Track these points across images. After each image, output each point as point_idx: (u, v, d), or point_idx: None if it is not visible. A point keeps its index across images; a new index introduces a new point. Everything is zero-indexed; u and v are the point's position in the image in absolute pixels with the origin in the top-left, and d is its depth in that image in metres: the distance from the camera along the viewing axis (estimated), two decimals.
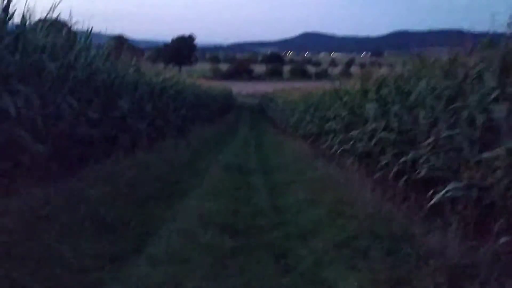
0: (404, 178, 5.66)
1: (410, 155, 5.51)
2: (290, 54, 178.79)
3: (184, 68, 62.19)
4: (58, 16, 6.75)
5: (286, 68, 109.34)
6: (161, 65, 20.35)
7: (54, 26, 6.73)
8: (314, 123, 12.57)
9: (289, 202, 7.09)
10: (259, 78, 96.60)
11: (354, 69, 69.23)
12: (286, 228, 5.65)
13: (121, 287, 3.78)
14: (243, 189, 8.36)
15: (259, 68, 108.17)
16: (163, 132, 12.06)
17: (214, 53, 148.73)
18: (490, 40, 4.93)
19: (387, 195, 5.95)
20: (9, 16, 5.44)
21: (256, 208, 6.79)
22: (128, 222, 5.33)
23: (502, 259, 3.60)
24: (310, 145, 12.51)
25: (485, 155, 4.13)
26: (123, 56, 9.96)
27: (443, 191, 4.38)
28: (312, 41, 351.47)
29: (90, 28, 7.86)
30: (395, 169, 5.90)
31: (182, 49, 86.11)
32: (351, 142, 8.12)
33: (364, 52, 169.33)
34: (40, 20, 6.48)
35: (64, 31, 7.09)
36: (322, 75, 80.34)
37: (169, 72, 15.45)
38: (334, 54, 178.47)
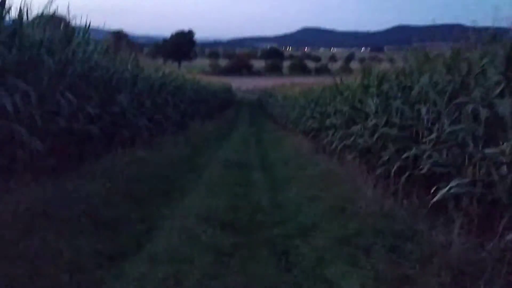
0: (406, 174, 5.59)
1: (413, 150, 5.44)
2: (289, 49, 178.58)
3: (183, 64, 62.16)
4: (55, 11, 6.69)
5: (286, 64, 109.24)
6: (160, 61, 20.31)
7: (51, 21, 6.66)
8: (315, 118, 12.50)
9: (290, 198, 7.05)
10: (258, 73, 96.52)
11: (354, 64, 69.22)
12: (287, 225, 5.60)
13: (120, 285, 3.73)
14: (243, 185, 8.30)
15: (259, 64, 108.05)
16: (162, 128, 11.99)
17: (214, 48, 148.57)
18: (494, 34, 4.86)
19: (388, 192, 5.90)
20: (5, 10, 5.36)
21: (256, 205, 6.74)
22: (127, 219, 5.29)
23: (508, 257, 3.54)
24: (310, 141, 12.44)
25: (490, 150, 4.07)
26: (122, 52, 9.89)
27: (447, 188, 4.31)
28: (311, 36, 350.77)
29: (88, 23, 7.80)
30: (397, 165, 5.83)
31: (181, 45, 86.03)
32: (352, 138, 8.05)
33: (364, 47, 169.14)
34: (37, 15, 6.40)
35: (61, 26, 7.00)
36: (322, 71, 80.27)
37: (168, 68, 15.38)
38: (333, 49, 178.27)
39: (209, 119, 21.31)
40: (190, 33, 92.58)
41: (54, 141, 5.90)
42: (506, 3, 5.09)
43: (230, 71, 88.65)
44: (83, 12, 7.87)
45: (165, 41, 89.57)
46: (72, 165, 6.40)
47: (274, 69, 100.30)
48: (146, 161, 8.51)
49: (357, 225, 5.04)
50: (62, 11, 7.02)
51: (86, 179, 6.08)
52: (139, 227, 5.18)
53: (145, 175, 7.53)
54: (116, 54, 9.27)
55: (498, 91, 4.19)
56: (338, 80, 10.20)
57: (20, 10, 5.71)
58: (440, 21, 7.27)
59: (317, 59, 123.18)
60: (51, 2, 6.42)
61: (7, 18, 5.45)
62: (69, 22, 7.38)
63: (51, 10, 6.55)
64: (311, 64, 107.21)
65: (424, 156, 5.13)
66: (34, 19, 6.31)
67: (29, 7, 5.93)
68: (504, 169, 3.89)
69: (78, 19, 7.58)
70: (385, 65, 9.34)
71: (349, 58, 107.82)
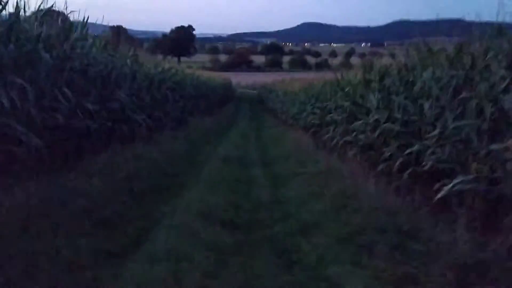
0: (409, 171, 5.52)
1: (415, 146, 5.38)
2: (289, 44, 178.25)
3: (183, 59, 62.00)
4: (53, 5, 6.61)
5: (286, 59, 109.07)
6: (160, 56, 20.21)
7: (49, 16, 6.57)
8: (315, 114, 12.43)
9: (291, 195, 6.99)
10: (258, 69, 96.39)
11: (354, 59, 69.03)
12: (288, 222, 5.54)
13: (119, 284, 3.67)
14: (243, 182, 8.25)
15: (259, 59, 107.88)
16: (162, 124, 11.93)
17: (213, 44, 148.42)
18: (499, 28, 4.78)
19: (391, 189, 5.83)
20: (2, 5, 5.28)
21: (256, 202, 6.69)
22: (125, 216, 5.23)
23: None
24: (311, 137, 12.37)
25: (494, 146, 4.02)
26: (121, 47, 9.81)
27: (451, 184, 4.26)
28: (311, 31, 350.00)
29: (87, 18, 7.71)
30: (399, 162, 5.76)
31: (181, 40, 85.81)
32: (353, 134, 7.99)
33: (364, 42, 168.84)
34: (34, 10, 6.32)
35: (59, 21, 6.92)
36: (322, 66, 80.00)
37: (168, 63, 15.30)
38: (334, 45, 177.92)
39: (209, 114, 21.25)
40: (189, 29, 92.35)
41: (52, 137, 5.84)
42: None
43: (230, 67, 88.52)
44: (81, 7, 7.78)
45: (164, 36, 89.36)
46: (70, 161, 6.34)
47: (274, 65, 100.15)
48: (145, 157, 8.45)
49: (359, 222, 4.98)
50: (59, 5, 6.95)
51: (84, 176, 6.02)
52: (138, 224, 5.12)
53: (144, 171, 7.48)
54: (115, 50, 9.18)
55: (503, 86, 4.14)
56: (339, 75, 10.12)
57: (17, 4, 5.64)
58: (442, 15, 7.20)
59: (317, 54, 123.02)
60: None
61: (3, 12, 5.39)
62: (67, 17, 7.30)
63: (49, 5, 6.49)
64: (311, 60, 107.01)
65: (427, 152, 5.08)
66: (32, 13, 6.23)
67: (26, 1, 5.87)
68: (509, 165, 3.84)
69: (76, 14, 7.53)
70: (386, 60, 9.25)
71: (350, 53, 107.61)
